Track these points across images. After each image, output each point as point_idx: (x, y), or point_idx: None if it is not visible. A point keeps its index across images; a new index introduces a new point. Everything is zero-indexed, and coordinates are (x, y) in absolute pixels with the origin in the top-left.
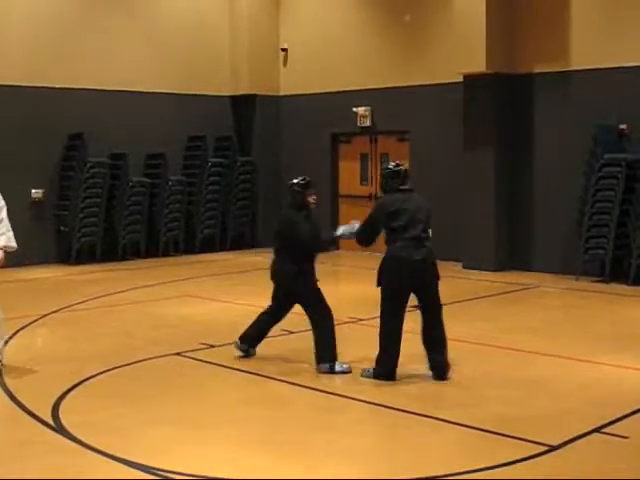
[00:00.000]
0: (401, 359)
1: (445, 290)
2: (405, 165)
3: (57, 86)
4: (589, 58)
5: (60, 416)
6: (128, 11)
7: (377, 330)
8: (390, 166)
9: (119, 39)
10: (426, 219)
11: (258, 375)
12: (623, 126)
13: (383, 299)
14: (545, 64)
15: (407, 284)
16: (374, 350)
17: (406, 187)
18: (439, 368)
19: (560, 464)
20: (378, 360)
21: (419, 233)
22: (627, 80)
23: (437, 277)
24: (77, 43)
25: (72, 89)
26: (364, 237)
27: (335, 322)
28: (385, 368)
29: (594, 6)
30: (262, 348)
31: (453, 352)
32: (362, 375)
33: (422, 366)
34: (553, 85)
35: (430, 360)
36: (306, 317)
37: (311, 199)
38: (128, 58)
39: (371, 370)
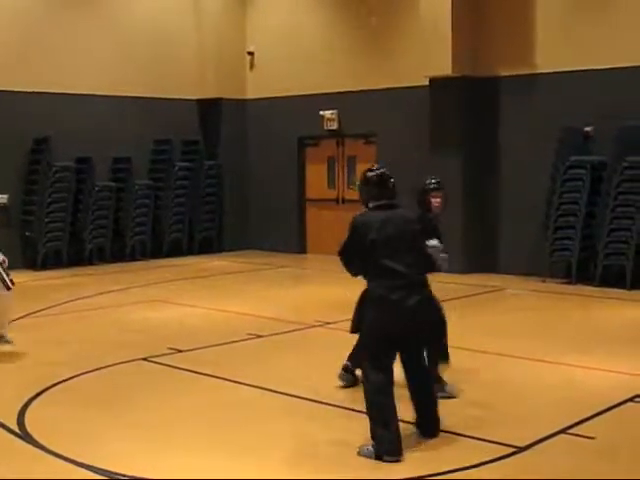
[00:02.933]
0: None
1: None
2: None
3: (22, 90)
4: (554, 62)
5: (26, 422)
6: (94, 14)
7: (344, 335)
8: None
9: (84, 42)
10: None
11: (225, 380)
12: (588, 128)
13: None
14: (511, 67)
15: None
16: (343, 353)
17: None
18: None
19: (527, 465)
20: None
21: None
22: (592, 83)
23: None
24: (42, 46)
25: (37, 92)
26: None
27: None
28: (386, 443)
29: (558, 10)
30: (228, 352)
31: None
32: (360, 454)
33: None
34: (519, 88)
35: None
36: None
37: (435, 201)
38: (94, 61)
39: (370, 448)
